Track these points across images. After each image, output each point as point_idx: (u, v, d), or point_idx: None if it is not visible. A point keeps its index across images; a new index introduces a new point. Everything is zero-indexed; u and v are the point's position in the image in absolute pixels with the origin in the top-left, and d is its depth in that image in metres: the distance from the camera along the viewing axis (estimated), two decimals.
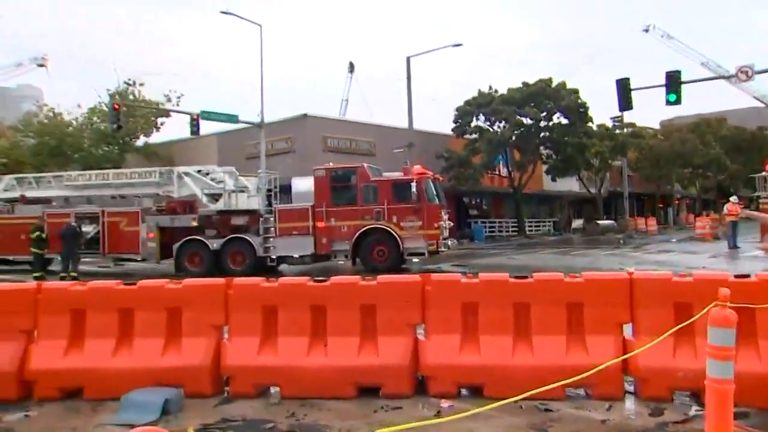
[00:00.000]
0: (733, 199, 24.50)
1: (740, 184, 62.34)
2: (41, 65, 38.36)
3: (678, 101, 20.60)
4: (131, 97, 35.93)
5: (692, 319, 4.69)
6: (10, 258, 20.45)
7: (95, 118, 36.56)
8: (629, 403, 5.26)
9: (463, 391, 5.50)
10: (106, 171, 23.01)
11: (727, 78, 27.95)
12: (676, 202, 65.56)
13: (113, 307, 5.82)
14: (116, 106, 26.69)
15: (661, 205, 61.98)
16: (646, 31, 43.51)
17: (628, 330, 5.49)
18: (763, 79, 32.86)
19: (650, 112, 51.20)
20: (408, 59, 31.57)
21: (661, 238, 35.21)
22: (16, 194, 21.61)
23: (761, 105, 45.48)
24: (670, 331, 4.81)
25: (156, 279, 6.35)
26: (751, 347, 4.99)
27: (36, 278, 15.85)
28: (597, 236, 38.96)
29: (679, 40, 43.39)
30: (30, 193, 21.44)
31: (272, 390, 5.65)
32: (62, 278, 16.01)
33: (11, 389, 5.61)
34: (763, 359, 5.01)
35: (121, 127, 27.89)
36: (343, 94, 55.54)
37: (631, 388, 5.43)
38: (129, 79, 36.58)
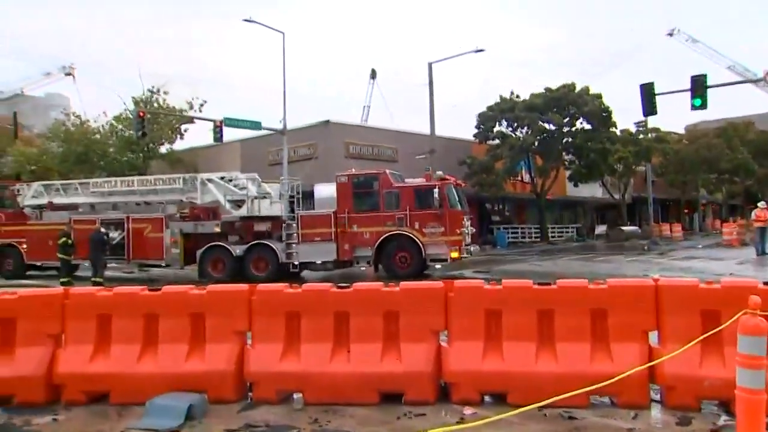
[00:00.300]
0: (761, 204, 24.04)
1: None
2: (69, 74, 39.04)
3: (704, 106, 20.36)
4: (155, 104, 36.41)
5: (721, 327, 4.62)
6: (39, 263, 20.81)
7: (120, 126, 37.08)
8: (655, 412, 5.17)
9: (487, 398, 5.46)
10: (131, 178, 23.27)
11: (755, 82, 27.59)
12: (702, 207, 64.66)
13: (138, 313, 5.88)
14: (141, 114, 27.12)
15: (686, 211, 61.13)
16: (671, 35, 43.12)
17: (653, 337, 5.42)
18: None
19: (675, 116, 50.57)
20: (430, 65, 31.60)
21: (687, 244, 34.73)
22: (44, 201, 21.97)
23: None
24: (698, 339, 4.74)
25: (180, 285, 6.41)
26: None
27: (63, 284, 16.10)
28: (621, 242, 38.56)
29: (705, 43, 42.92)
30: (57, 200, 21.76)
31: (295, 396, 5.66)
32: (94, 283, 16.26)
33: (40, 392, 5.71)
34: None
35: (145, 134, 28.32)
36: (365, 101, 55.82)
37: (657, 397, 5.35)
38: (153, 87, 37.10)
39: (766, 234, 22.69)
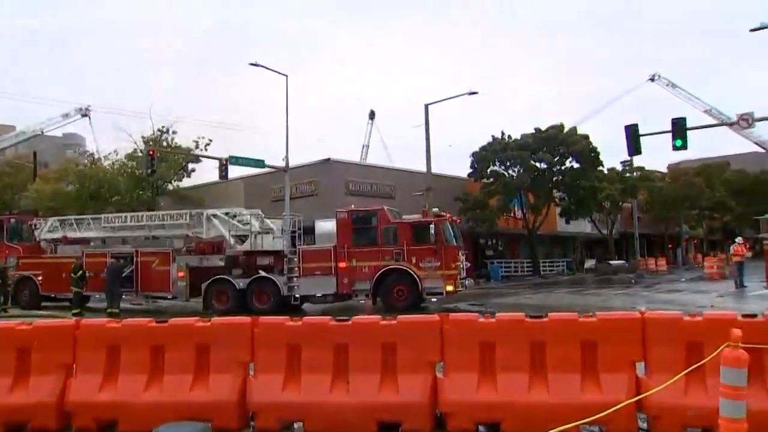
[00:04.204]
0: (739, 240, 24.15)
1: (745, 225, 61.86)
2: (85, 115, 39.48)
3: (684, 146, 20.56)
4: (164, 143, 36.55)
5: (707, 359, 4.60)
6: (53, 295, 20.66)
7: (131, 163, 37.20)
8: None
9: (481, 428, 5.40)
10: (140, 213, 23.27)
11: (729, 125, 27.90)
12: (685, 242, 64.97)
13: (146, 344, 5.84)
14: (150, 153, 27.23)
15: (670, 246, 61.47)
16: (652, 80, 43.86)
17: (640, 367, 5.39)
18: (764, 126, 32.69)
19: (659, 155, 51.65)
20: (426, 107, 31.89)
21: (671, 278, 34.73)
22: (59, 235, 21.93)
23: (762, 150, 45.34)
24: (686, 371, 4.72)
25: (186, 317, 6.38)
26: (760, 385, 4.86)
27: (75, 315, 15.97)
28: (609, 276, 38.52)
29: (683, 88, 43.66)
30: (71, 234, 21.73)
31: (296, 425, 5.59)
32: (110, 314, 16.09)
33: (52, 420, 5.65)
34: None
35: (154, 172, 28.39)
36: (365, 140, 56.33)
37: (644, 426, 5.29)
38: (162, 127, 37.31)
39: (743, 268, 22.77)
